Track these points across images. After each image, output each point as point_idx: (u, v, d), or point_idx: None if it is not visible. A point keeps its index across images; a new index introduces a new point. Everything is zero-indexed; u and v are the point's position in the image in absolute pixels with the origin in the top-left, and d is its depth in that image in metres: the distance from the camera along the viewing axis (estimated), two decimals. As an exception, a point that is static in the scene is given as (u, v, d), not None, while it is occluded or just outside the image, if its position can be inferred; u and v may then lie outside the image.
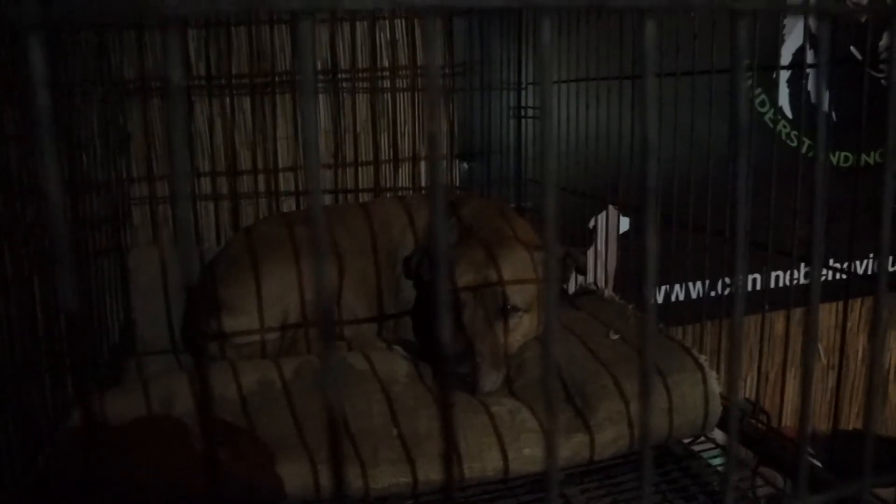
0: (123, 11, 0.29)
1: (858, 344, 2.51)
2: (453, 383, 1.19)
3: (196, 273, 0.34)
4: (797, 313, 2.04)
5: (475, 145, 1.96)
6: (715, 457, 1.22)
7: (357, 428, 1.11)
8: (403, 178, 1.93)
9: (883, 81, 1.87)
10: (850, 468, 0.56)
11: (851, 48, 2.20)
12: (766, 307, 1.17)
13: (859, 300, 2.45)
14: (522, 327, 1.34)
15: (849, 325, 2.38)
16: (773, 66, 1.36)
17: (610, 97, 1.60)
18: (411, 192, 1.92)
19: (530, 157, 1.99)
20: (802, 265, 2.21)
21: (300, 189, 1.84)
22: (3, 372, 0.89)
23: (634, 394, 1.15)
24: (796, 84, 2.13)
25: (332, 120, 1.85)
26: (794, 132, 2.21)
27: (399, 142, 1.90)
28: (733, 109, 0.42)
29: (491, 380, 1.24)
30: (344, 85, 1.84)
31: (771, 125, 2.10)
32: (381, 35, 1.85)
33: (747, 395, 1.31)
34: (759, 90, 2.08)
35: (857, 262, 2.39)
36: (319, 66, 1.82)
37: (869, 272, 2.36)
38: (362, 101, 1.87)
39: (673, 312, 1.48)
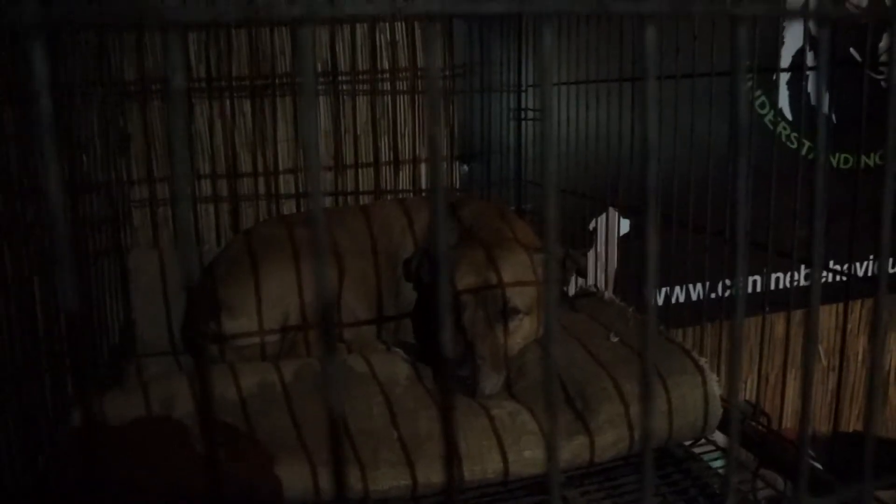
0: (124, 14, 0.29)
1: (859, 346, 2.50)
2: (454, 386, 1.19)
3: (196, 274, 0.34)
4: (797, 315, 2.04)
5: (475, 147, 1.96)
6: (715, 459, 1.22)
7: (357, 430, 1.11)
8: (404, 180, 1.93)
9: (883, 83, 1.87)
10: (850, 470, 0.56)
11: (851, 50, 2.20)
12: (767, 309, 1.17)
13: (859, 302, 2.45)
14: (523, 329, 1.34)
15: (849, 326, 2.39)
16: (773, 68, 1.36)
17: (610, 99, 1.60)
18: (412, 194, 1.92)
19: (530, 159, 1.99)
20: (803, 267, 2.21)
21: (300, 191, 1.84)
22: (3, 372, 0.89)
23: (635, 396, 1.15)
24: (796, 86, 2.13)
25: (332, 122, 1.85)
26: (794, 134, 2.21)
27: (399, 144, 1.90)
28: (733, 111, 0.42)
29: (491, 382, 1.24)
30: (344, 87, 1.84)
31: (771, 127, 2.10)
32: (381, 37, 1.86)
33: (748, 397, 1.31)
34: (759, 92, 2.08)
35: (858, 264, 2.39)
36: (319, 68, 1.82)
37: (869, 274, 2.36)
38: (362, 103, 1.87)
39: (673, 314, 1.48)
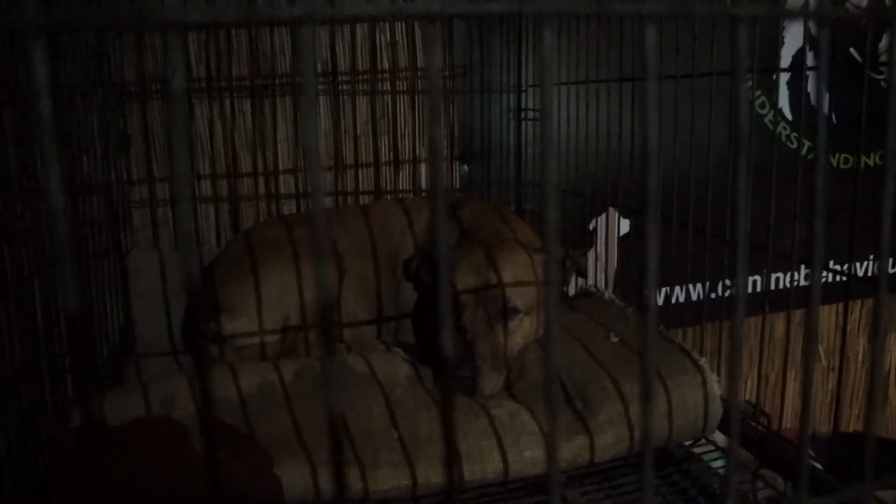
0: (124, 15, 0.29)
1: (859, 346, 2.50)
2: (454, 386, 1.19)
3: (197, 275, 0.34)
4: (797, 315, 2.04)
5: (475, 147, 1.96)
6: (715, 459, 1.22)
7: (357, 430, 1.11)
8: (404, 180, 1.93)
9: (883, 83, 1.87)
10: (850, 470, 0.56)
11: (851, 50, 2.20)
12: (767, 309, 1.17)
13: (859, 302, 2.45)
14: (523, 329, 1.34)
15: (849, 326, 2.38)
16: (773, 68, 1.36)
17: (610, 99, 1.60)
18: (412, 194, 1.92)
19: (530, 159, 1.99)
20: (803, 267, 2.21)
21: (300, 191, 1.84)
22: (3, 373, 0.89)
23: (634, 396, 1.15)
24: (796, 86, 2.13)
25: (332, 122, 1.85)
26: (794, 134, 2.21)
27: (399, 144, 1.90)
28: (733, 111, 0.42)
29: (491, 382, 1.24)
30: (344, 87, 1.84)
31: (771, 127, 2.10)
32: (381, 37, 1.86)
33: (748, 397, 1.31)
34: (758, 92, 2.08)
35: (858, 264, 2.39)
36: (319, 69, 1.82)
37: (869, 274, 2.36)
38: (362, 103, 1.87)
39: (673, 314, 1.48)
